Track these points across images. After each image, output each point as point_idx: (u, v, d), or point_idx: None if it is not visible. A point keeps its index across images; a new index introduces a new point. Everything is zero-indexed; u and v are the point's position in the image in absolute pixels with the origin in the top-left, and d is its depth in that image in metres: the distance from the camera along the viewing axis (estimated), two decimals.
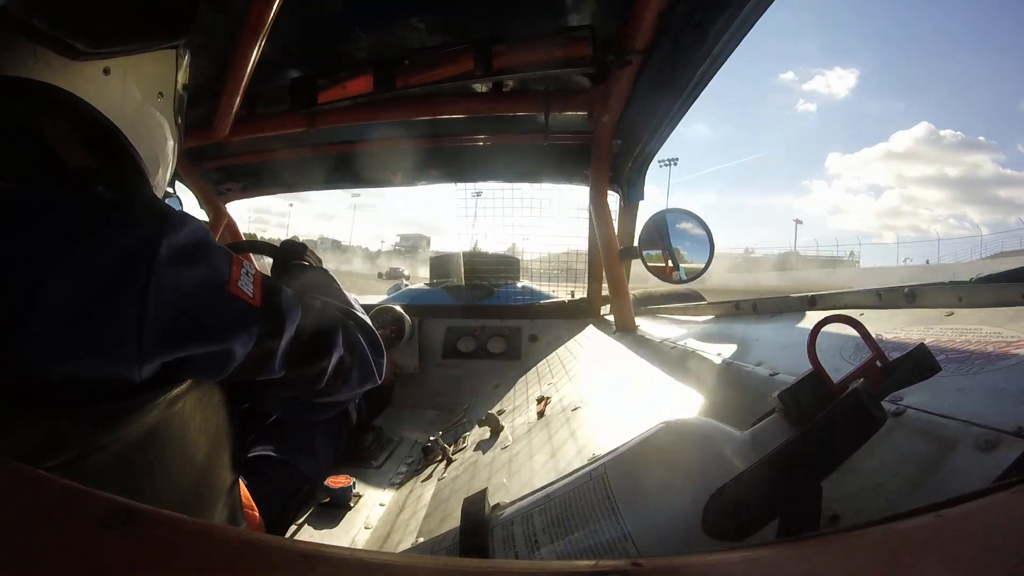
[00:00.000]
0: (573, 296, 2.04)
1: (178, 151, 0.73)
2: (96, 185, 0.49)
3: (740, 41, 0.90)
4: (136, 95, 0.60)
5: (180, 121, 0.70)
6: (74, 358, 0.43)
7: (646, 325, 1.44)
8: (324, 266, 0.99)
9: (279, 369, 0.55)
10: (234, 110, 1.23)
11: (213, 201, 1.73)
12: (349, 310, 0.73)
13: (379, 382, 0.73)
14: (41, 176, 0.49)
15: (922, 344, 0.34)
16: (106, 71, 0.56)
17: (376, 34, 1.11)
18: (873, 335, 0.36)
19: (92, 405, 0.45)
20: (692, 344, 0.89)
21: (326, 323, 0.63)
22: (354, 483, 1.09)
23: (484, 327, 1.82)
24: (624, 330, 1.41)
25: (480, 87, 1.27)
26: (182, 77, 0.69)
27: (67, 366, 0.43)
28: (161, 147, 0.66)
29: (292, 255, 0.94)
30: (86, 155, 0.56)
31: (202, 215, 1.78)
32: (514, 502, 0.40)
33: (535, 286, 3.17)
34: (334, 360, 0.62)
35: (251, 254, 1.45)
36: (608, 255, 1.49)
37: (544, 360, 1.65)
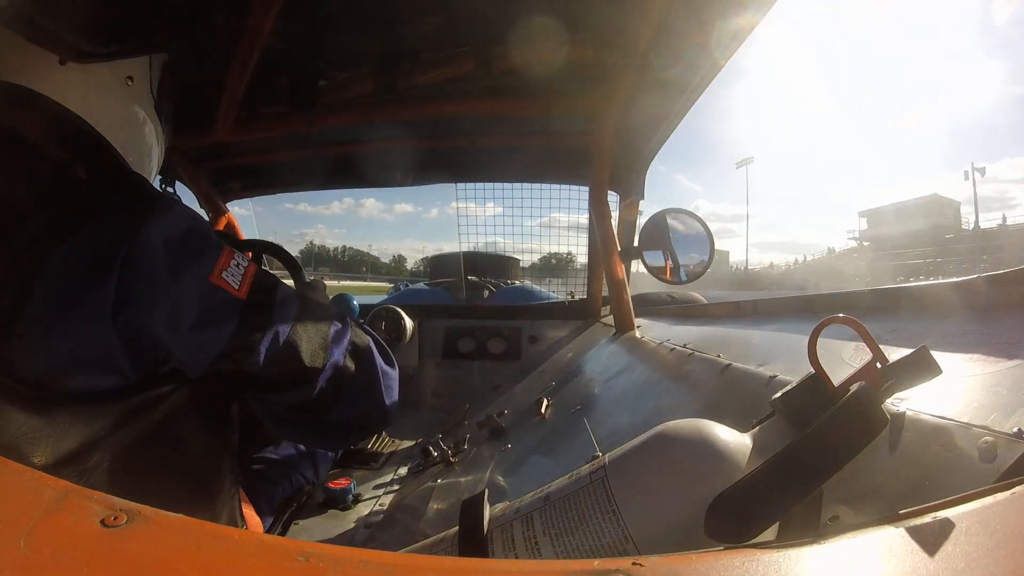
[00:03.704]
0: (573, 297, 2.04)
1: (166, 136, 0.71)
2: (81, 177, 0.49)
3: (742, 42, 0.90)
4: (99, 82, 0.58)
5: (163, 105, 0.68)
6: (59, 348, 0.43)
7: (646, 326, 1.44)
8: None
9: (262, 365, 0.54)
10: (235, 110, 1.23)
11: (213, 201, 1.73)
12: (364, 326, 0.71)
13: (388, 403, 0.68)
14: (25, 173, 0.49)
15: (923, 346, 0.34)
16: (61, 60, 0.54)
17: (377, 35, 1.11)
18: (874, 337, 0.36)
19: (90, 403, 0.45)
20: (692, 345, 0.89)
21: (331, 325, 0.62)
22: (353, 484, 1.09)
23: (484, 327, 1.82)
24: (624, 331, 1.41)
25: (481, 88, 1.27)
26: (158, 58, 0.66)
27: (54, 359, 0.43)
28: (138, 134, 0.64)
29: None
30: (63, 147, 0.54)
31: (202, 214, 1.78)
32: (513, 503, 0.40)
33: (535, 286, 3.17)
34: (330, 367, 0.60)
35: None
36: (608, 255, 1.49)
37: (544, 361, 1.65)
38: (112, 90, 0.59)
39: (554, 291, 2.37)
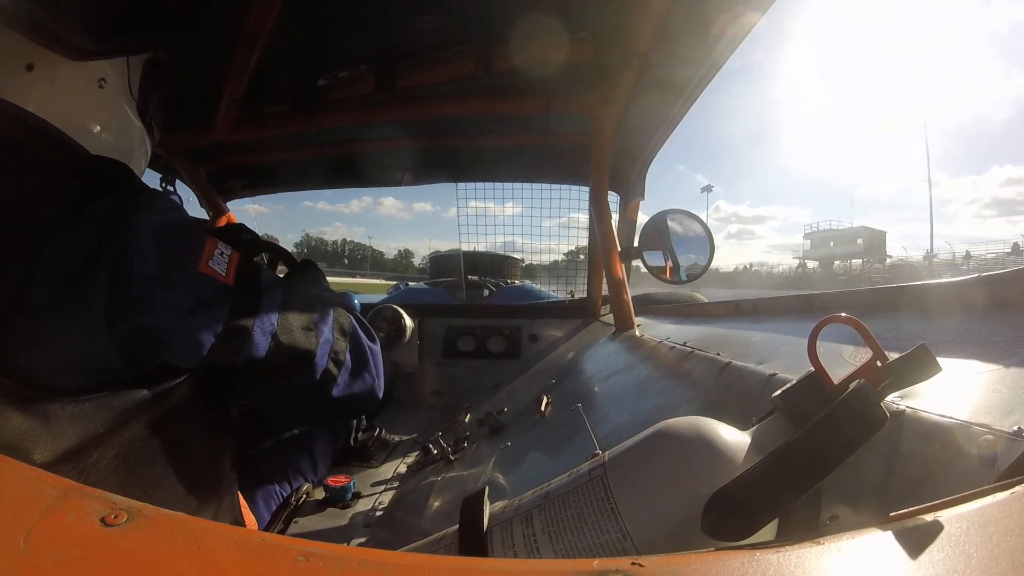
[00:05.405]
0: (573, 296, 2.04)
1: (154, 136, 0.70)
2: (65, 175, 0.49)
3: (740, 42, 0.90)
4: (69, 87, 0.56)
5: (149, 105, 0.66)
6: (53, 344, 0.44)
7: (646, 325, 1.44)
8: None
9: (261, 351, 0.55)
10: (235, 109, 1.23)
11: (213, 200, 1.73)
12: (344, 302, 0.73)
13: (377, 379, 0.70)
14: (16, 172, 0.48)
15: (922, 344, 0.34)
16: (29, 67, 0.53)
17: (377, 34, 1.11)
18: (873, 335, 0.36)
19: (89, 401, 0.45)
20: (692, 344, 0.89)
21: (316, 307, 0.63)
22: (353, 482, 1.09)
23: (484, 326, 1.82)
24: (623, 330, 1.41)
25: (480, 87, 1.27)
26: (137, 58, 0.64)
27: (49, 355, 0.44)
28: (115, 136, 0.62)
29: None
30: (43, 148, 0.53)
31: (202, 213, 1.78)
32: (513, 501, 0.40)
33: (535, 285, 3.17)
34: (323, 343, 0.61)
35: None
36: (608, 255, 1.50)
37: (544, 359, 1.65)
38: (83, 95, 0.58)
39: (554, 290, 2.37)
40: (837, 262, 51.79)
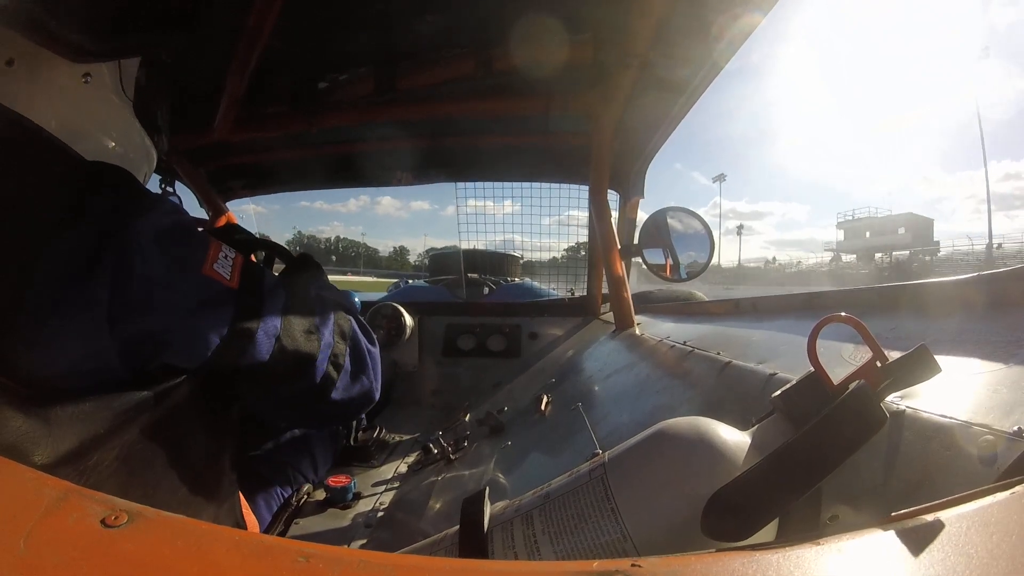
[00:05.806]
0: (573, 294, 2.04)
1: (161, 135, 0.69)
2: (64, 174, 0.49)
3: (741, 44, 0.90)
4: (51, 83, 0.54)
5: (148, 103, 0.65)
6: (53, 344, 0.44)
7: (645, 323, 1.44)
8: None
9: (264, 355, 0.55)
10: (235, 109, 1.23)
11: (213, 200, 1.73)
12: (345, 303, 0.73)
13: (376, 382, 0.71)
14: (15, 171, 0.48)
15: (922, 345, 0.34)
16: (9, 62, 0.51)
17: (377, 35, 1.11)
18: (873, 335, 0.36)
19: (89, 402, 0.45)
20: (692, 343, 0.89)
21: (317, 309, 0.63)
22: (354, 482, 1.09)
23: (484, 325, 1.82)
24: (623, 328, 1.41)
25: (481, 87, 1.27)
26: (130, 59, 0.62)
27: (48, 355, 0.43)
28: (114, 138, 0.61)
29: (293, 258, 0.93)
30: (39, 147, 0.51)
31: (201, 214, 1.78)
32: (513, 502, 0.40)
33: (535, 283, 3.17)
34: (324, 347, 0.61)
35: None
36: (608, 253, 1.49)
37: (544, 358, 1.65)
38: (65, 90, 0.56)
39: (554, 288, 2.37)
40: (879, 255, 44.79)
